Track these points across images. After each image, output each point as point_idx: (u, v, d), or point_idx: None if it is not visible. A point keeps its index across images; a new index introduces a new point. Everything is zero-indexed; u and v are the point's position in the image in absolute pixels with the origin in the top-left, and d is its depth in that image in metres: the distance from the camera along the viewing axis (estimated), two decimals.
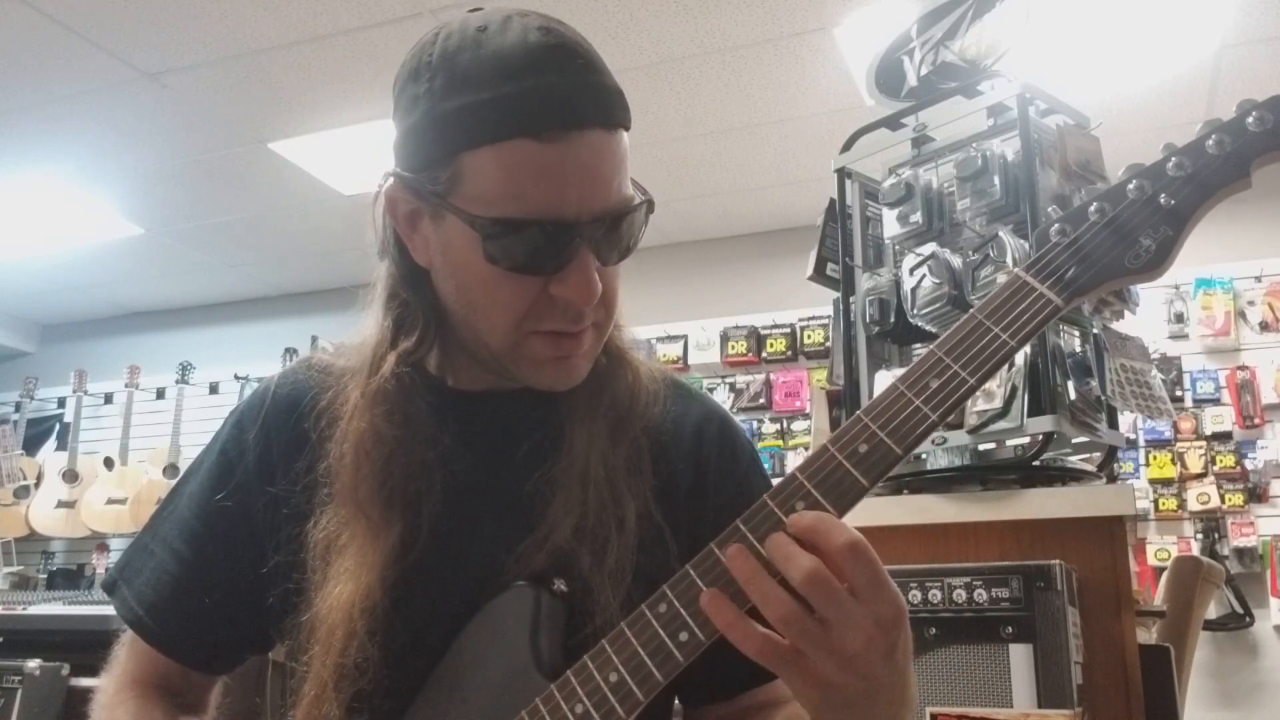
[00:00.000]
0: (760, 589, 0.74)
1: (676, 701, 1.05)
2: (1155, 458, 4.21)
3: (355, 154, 4.20)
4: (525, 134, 0.84)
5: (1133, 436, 4.19)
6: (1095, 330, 1.83)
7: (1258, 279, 4.30)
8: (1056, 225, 0.81)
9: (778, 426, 4.84)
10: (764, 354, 4.95)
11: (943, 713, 1.57)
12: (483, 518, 0.96)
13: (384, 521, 0.92)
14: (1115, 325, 1.84)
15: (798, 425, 4.79)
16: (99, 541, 5.38)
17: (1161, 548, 4.15)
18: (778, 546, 0.74)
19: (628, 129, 0.91)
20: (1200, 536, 4.14)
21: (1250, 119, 0.78)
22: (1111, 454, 1.93)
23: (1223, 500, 4.12)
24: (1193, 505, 4.15)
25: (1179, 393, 4.24)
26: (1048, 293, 0.79)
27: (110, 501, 5.37)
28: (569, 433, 0.97)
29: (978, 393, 1.30)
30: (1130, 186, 0.80)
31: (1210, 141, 0.79)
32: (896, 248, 2.05)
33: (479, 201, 0.86)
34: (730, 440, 1.06)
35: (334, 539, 0.93)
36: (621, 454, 0.97)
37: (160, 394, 5.84)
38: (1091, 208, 0.81)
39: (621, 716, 0.80)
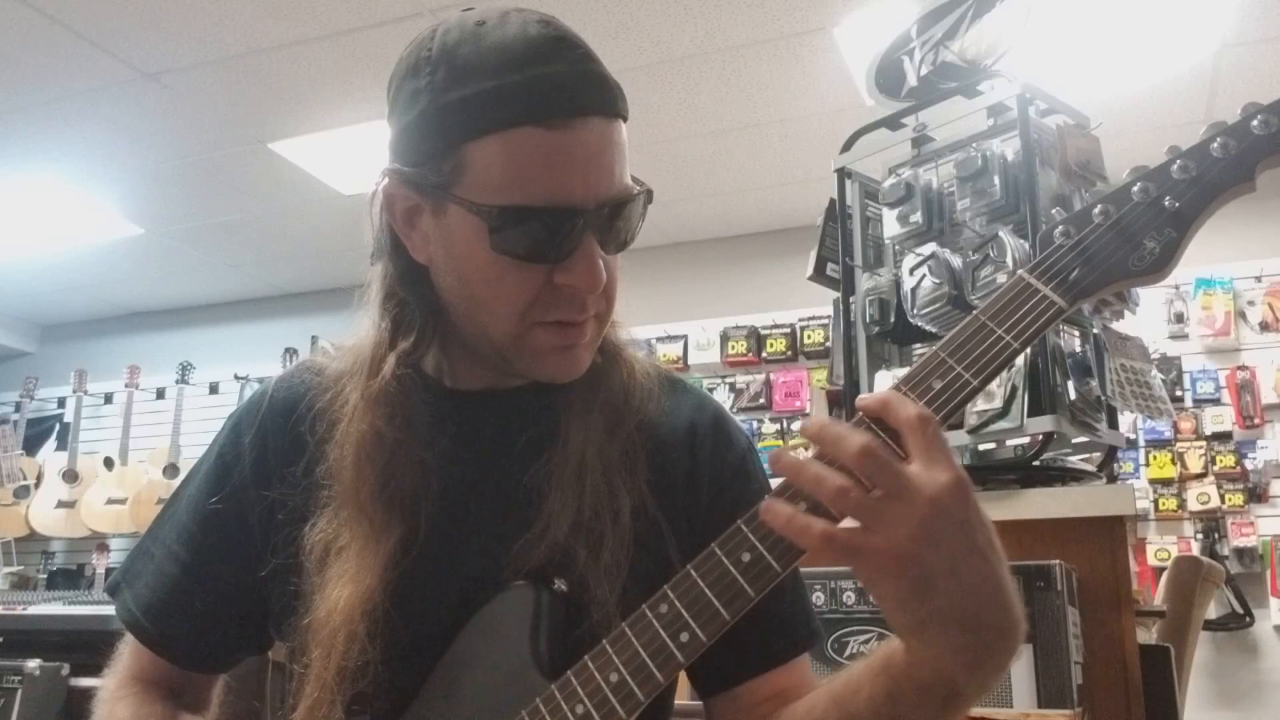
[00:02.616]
0: (809, 473, 0.72)
1: (682, 700, 1.05)
2: (1155, 458, 4.22)
3: (355, 154, 4.20)
4: (530, 121, 0.85)
5: (1133, 436, 4.19)
6: (1095, 330, 1.83)
7: (1258, 279, 4.30)
8: (1061, 227, 0.81)
9: (778, 426, 4.84)
10: (764, 354, 4.95)
11: None
12: (481, 517, 0.96)
13: (385, 523, 0.92)
14: (1115, 325, 1.84)
15: (798, 425, 4.79)
16: (99, 541, 5.37)
17: (1161, 548, 4.15)
18: (825, 428, 0.74)
19: (626, 120, 0.92)
20: (1200, 536, 4.14)
21: (1255, 122, 0.78)
22: (1111, 454, 1.93)
23: (1223, 500, 4.12)
24: (1193, 505, 4.15)
25: (1179, 393, 4.24)
26: (1051, 294, 0.79)
27: (110, 501, 5.37)
28: (564, 428, 0.97)
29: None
30: (1135, 189, 0.80)
31: (1215, 144, 0.79)
32: (896, 248, 2.05)
33: (484, 190, 0.87)
34: (724, 434, 1.05)
35: (333, 541, 0.93)
36: (617, 449, 0.97)
37: (160, 394, 5.84)
38: (1096, 210, 0.81)
39: (622, 717, 0.80)
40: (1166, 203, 0.79)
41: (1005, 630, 0.72)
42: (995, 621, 0.72)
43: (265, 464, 1.01)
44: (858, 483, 0.71)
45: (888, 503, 0.71)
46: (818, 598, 1.66)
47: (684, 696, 1.05)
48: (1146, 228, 0.80)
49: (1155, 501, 4.21)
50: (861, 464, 0.71)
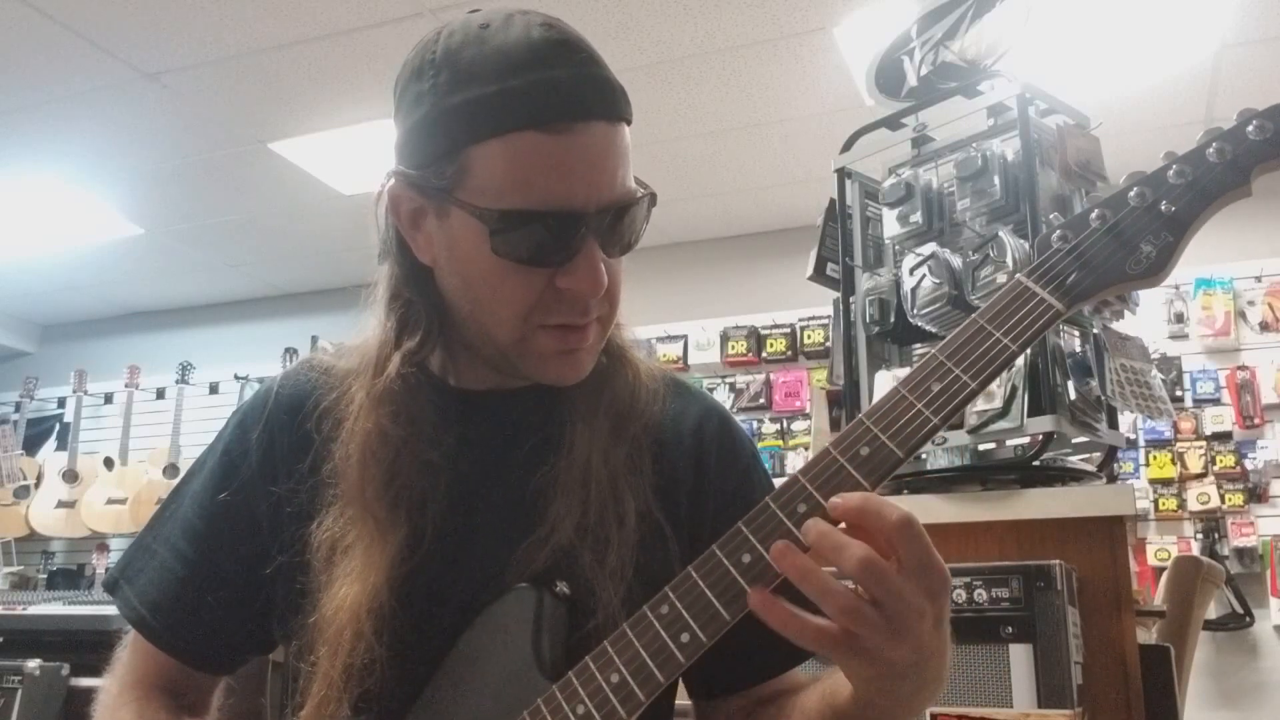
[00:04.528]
0: (818, 584, 0.74)
1: (683, 700, 1.05)
2: (1155, 458, 4.22)
3: (355, 154, 4.20)
4: (531, 125, 0.85)
5: (1133, 436, 4.20)
6: (1095, 330, 1.84)
7: (1258, 279, 4.30)
8: (1058, 231, 0.82)
9: (778, 426, 4.85)
10: (764, 354, 4.95)
11: (943, 713, 1.57)
12: (486, 517, 0.97)
13: (390, 522, 0.92)
14: (1115, 325, 1.84)
15: (798, 425, 4.79)
16: (99, 541, 5.38)
17: (1161, 548, 4.15)
18: (824, 537, 0.74)
19: (629, 123, 0.92)
20: (1200, 536, 4.14)
21: (1251, 127, 0.79)
22: (1111, 454, 1.93)
23: (1223, 500, 4.12)
24: (1193, 505, 4.15)
25: (1179, 393, 4.24)
26: (1049, 298, 0.80)
27: (110, 501, 5.37)
28: (570, 431, 0.97)
29: None
30: (1131, 194, 0.81)
31: (1211, 149, 0.80)
32: (896, 248, 2.06)
33: (486, 194, 0.87)
34: (730, 438, 1.06)
35: (339, 539, 0.93)
36: (622, 452, 0.97)
37: (160, 394, 5.84)
38: (1093, 214, 0.81)
39: (623, 717, 0.80)
40: (1163, 207, 0.80)
41: (932, 694, 0.82)
42: (931, 689, 0.81)
43: (272, 460, 1.01)
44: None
45: (877, 610, 0.73)
46: None
47: (685, 697, 1.06)
48: (1143, 232, 0.80)
49: (1155, 501, 4.21)
50: (862, 577, 0.72)
